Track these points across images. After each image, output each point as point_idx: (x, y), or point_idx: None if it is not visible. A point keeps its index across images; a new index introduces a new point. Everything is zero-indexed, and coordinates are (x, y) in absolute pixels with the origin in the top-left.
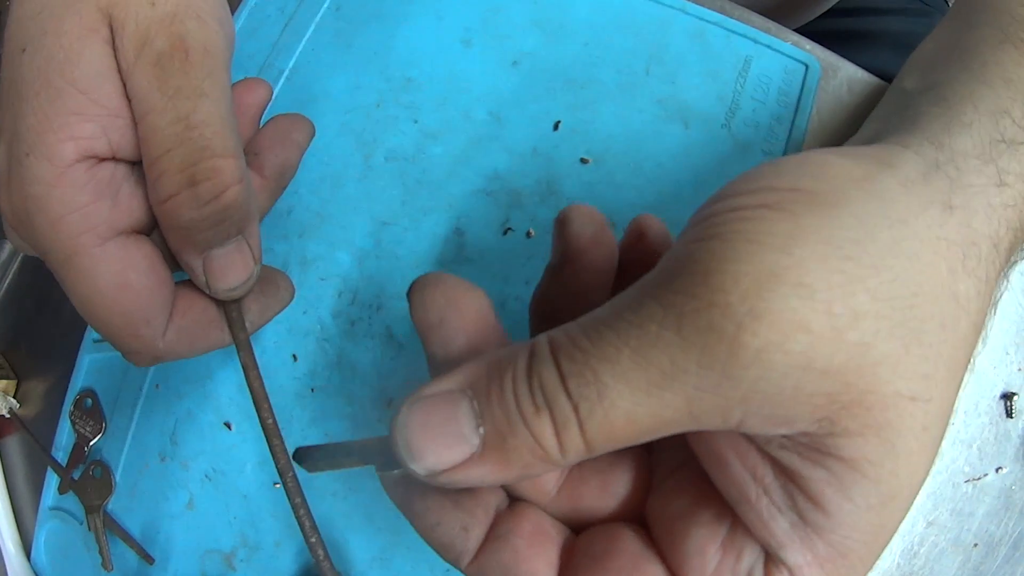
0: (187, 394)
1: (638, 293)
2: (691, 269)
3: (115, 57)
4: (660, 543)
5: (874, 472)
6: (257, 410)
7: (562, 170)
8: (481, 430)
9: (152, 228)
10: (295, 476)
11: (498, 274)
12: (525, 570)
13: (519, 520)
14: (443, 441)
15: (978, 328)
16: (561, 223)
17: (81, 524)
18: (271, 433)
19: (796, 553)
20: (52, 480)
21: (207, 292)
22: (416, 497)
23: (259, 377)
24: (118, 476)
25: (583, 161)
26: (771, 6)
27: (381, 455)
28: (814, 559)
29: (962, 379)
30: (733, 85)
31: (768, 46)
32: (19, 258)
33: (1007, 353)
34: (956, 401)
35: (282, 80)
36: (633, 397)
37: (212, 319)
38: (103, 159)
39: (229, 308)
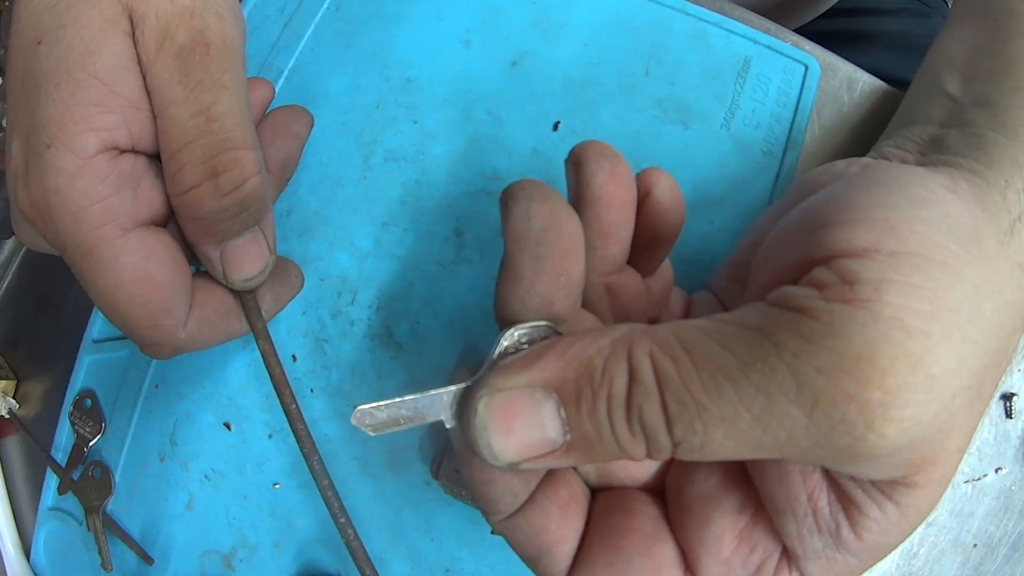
0: (186, 395)
1: (765, 345)
2: (837, 348)
3: (135, 49)
4: (676, 518)
5: (915, 515)
6: (280, 396)
7: (562, 170)
8: (568, 436)
9: (168, 220)
10: (320, 460)
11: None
12: (555, 536)
13: (558, 488)
14: (527, 441)
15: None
16: (575, 164)
17: (80, 524)
18: (295, 418)
19: (817, 568)
20: (51, 480)
21: (224, 283)
22: (471, 463)
23: (279, 364)
24: (117, 477)
25: None
26: (771, 6)
27: (443, 413)
28: (830, 574)
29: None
30: (733, 85)
31: (768, 46)
32: (19, 258)
33: None
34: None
35: (282, 80)
36: (736, 450)
37: (230, 309)
38: (124, 151)
39: (245, 298)
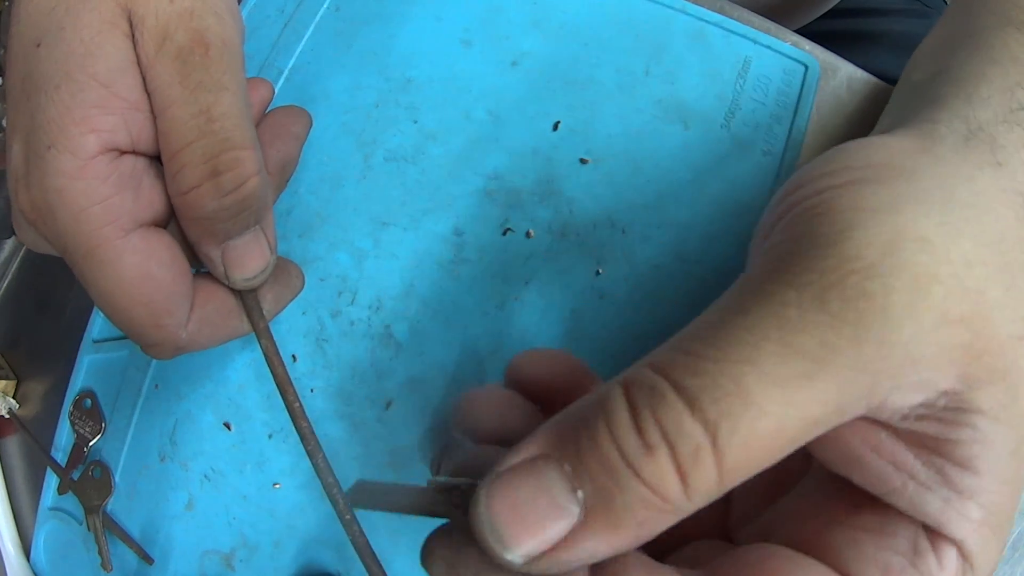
0: (186, 395)
1: (755, 287)
2: (814, 244)
3: (135, 51)
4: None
5: (1007, 417)
6: (283, 395)
7: (562, 170)
8: (580, 494)
9: (169, 221)
10: (325, 457)
11: (497, 274)
12: None
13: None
14: (537, 518)
15: None
16: (456, 422)
17: (80, 524)
18: (298, 416)
19: (956, 525)
20: (51, 480)
21: (226, 283)
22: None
23: (282, 363)
24: (117, 476)
25: (583, 161)
26: (771, 7)
27: (447, 509)
28: (972, 527)
29: None
30: (733, 85)
31: (768, 46)
32: (19, 258)
33: None
34: None
35: (281, 80)
36: (783, 396)
37: (231, 309)
38: (124, 152)
39: (247, 297)
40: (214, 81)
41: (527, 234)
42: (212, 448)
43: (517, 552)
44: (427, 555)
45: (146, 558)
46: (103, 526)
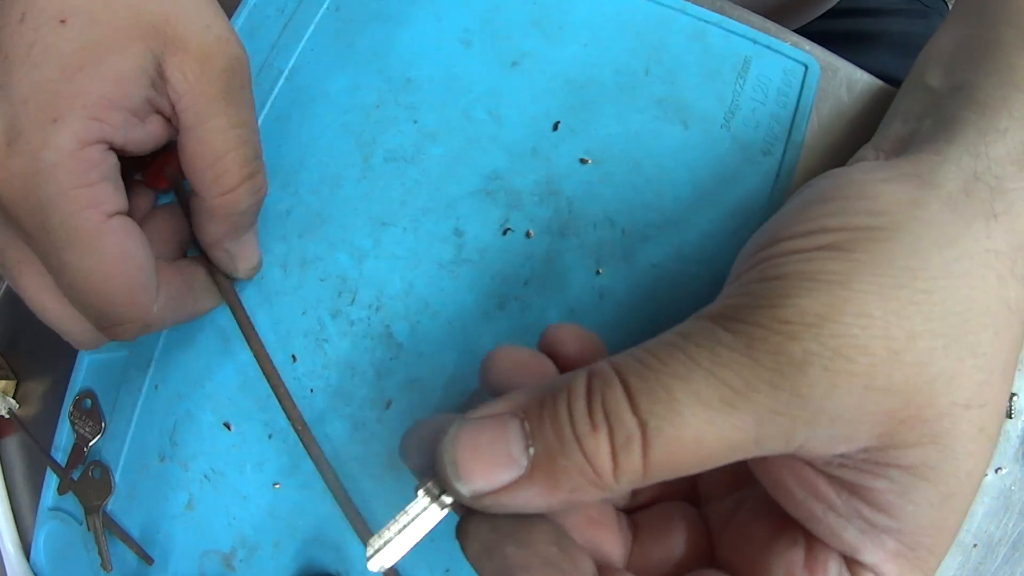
0: (186, 395)
1: (702, 323)
2: (757, 304)
3: (155, 67)
4: None
5: (933, 475)
6: (259, 361)
7: (562, 170)
8: (531, 451)
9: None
10: (287, 391)
11: (497, 274)
12: None
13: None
14: (491, 461)
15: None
16: (481, 374)
17: (80, 525)
18: (263, 359)
19: (870, 553)
20: (51, 481)
21: (234, 275)
22: (516, 568)
23: (257, 336)
24: (117, 477)
25: (582, 161)
26: (771, 7)
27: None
28: (887, 555)
29: (1014, 375)
30: (732, 85)
31: (768, 46)
32: None
33: None
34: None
35: (281, 80)
36: (705, 415)
37: (190, 288)
38: (112, 148)
39: (221, 276)
40: (247, 99)
41: (527, 234)
42: (212, 448)
43: (467, 486)
44: (463, 536)
45: (146, 558)
46: (103, 526)
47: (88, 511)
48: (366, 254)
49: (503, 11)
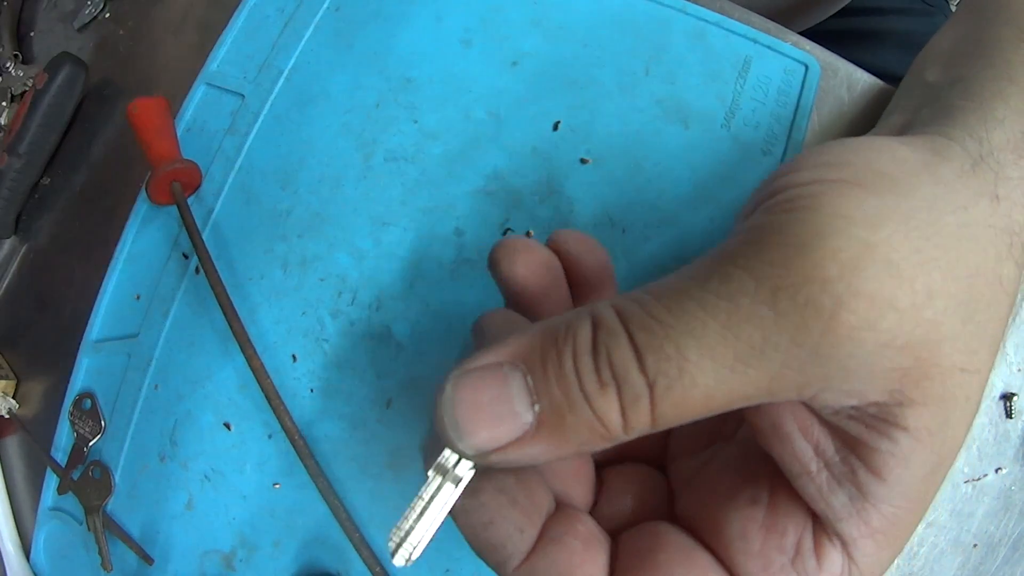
0: (186, 395)
1: (721, 263)
2: (784, 241)
3: None
4: (700, 533)
5: (930, 440)
6: (242, 348)
7: (562, 170)
8: (536, 407)
9: None
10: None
11: None
12: (581, 573)
13: (573, 523)
14: (495, 419)
15: (1011, 310)
16: (492, 267)
17: (80, 525)
18: (259, 373)
19: (852, 526)
20: (51, 481)
21: None
22: (467, 494)
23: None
24: (117, 477)
25: (583, 161)
26: (773, 11)
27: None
28: (868, 531)
29: (998, 352)
30: (733, 85)
31: (768, 46)
32: (19, 258)
33: (1007, 353)
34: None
35: (281, 80)
36: (716, 374)
37: None
38: None
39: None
40: None
41: (527, 234)
42: (212, 448)
43: (470, 444)
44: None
45: (146, 558)
46: (103, 526)
47: (88, 511)
48: (366, 254)
49: (503, 11)
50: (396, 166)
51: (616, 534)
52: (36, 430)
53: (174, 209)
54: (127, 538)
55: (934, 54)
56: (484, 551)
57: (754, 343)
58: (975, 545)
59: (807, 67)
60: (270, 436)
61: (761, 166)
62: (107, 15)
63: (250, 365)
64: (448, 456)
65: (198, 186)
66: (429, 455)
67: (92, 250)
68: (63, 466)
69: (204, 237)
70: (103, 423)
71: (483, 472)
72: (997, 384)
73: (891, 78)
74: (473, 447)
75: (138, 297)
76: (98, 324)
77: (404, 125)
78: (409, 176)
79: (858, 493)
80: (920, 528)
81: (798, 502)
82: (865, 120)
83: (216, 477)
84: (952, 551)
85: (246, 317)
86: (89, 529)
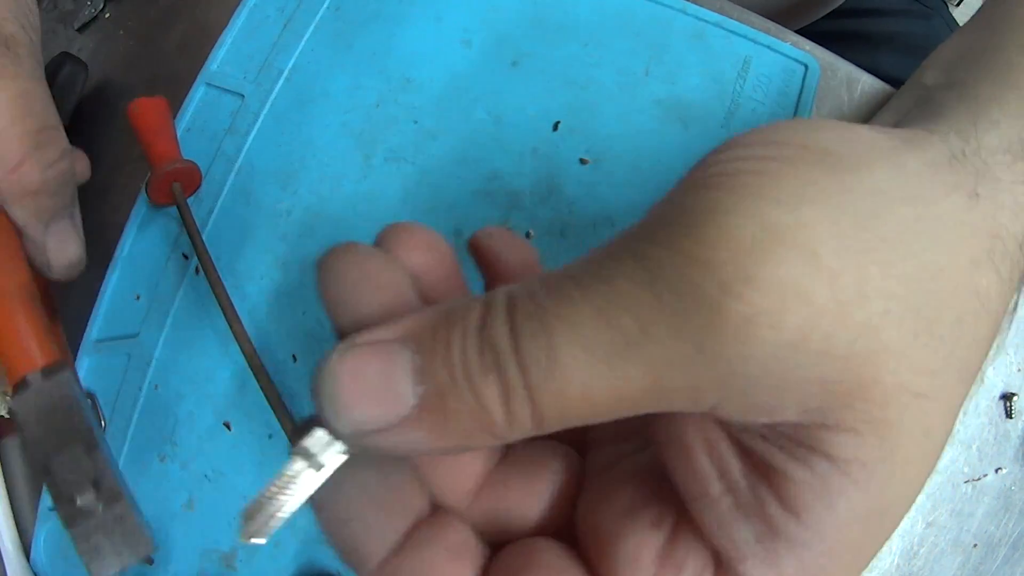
0: (186, 395)
1: (614, 243)
2: (677, 219)
3: None
4: (589, 555)
5: (866, 477)
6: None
7: (562, 170)
8: (420, 388)
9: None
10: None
11: None
12: None
13: (442, 529)
14: (375, 396)
15: (995, 330)
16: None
17: None
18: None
19: (758, 570)
20: None
21: (48, 273)
22: (328, 485)
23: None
24: None
25: (583, 161)
26: (772, 10)
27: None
28: None
29: (972, 382)
30: (732, 85)
31: (768, 46)
32: None
33: (1007, 353)
34: (962, 406)
35: (281, 80)
36: (591, 366)
37: None
38: None
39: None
40: (27, 72)
41: (527, 234)
42: (212, 448)
43: (347, 421)
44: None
45: (146, 558)
46: None
47: None
48: None
49: (503, 11)
50: (396, 166)
51: (502, 545)
52: None
53: (174, 209)
54: None
55: (936, 60)
56: (340, 550)
57: (629, 333)
58: (975, 545)
59: (807, 67)
60: (270, 436)
61: None
62: (107, 15)
63: (250, 365)
64: (316, 439)
65: (198, 186)
66: (297, 436)
67: (92, 250)
68: None
69: (204, 237)
70: (103, 423)
71: (348, 464)
72: (997, 384)
73: (890, 80)
74: (351, 424)
75: (138, 297)
76: (98, 324)
77: (404, 125)
78: (409, 176)
79: (767, 531)
80: (920, 528)
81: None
82: (865, 120)
83: (216, 477)
84: (952, 551)
85: (246, 317)
86: None
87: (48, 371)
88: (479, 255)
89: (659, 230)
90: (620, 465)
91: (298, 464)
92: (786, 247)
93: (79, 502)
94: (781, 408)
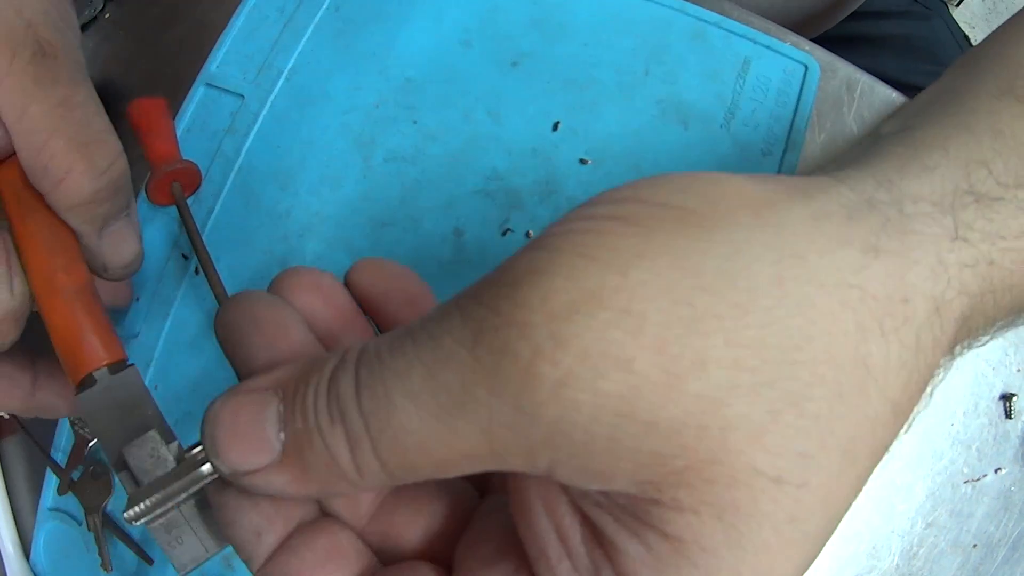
0: (186, 395)
1: (450, 302)
2: (502, 280)
3: None
4: None
5: (707, 562)
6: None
7: (561, 170)
8: (282, 436)
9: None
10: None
11: None
12: None
13: (316, 534)
14: (247, 442)
15: (900, 408)
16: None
17: (80, 525)
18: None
19: None
20: (51, 481)
21: (104, 275)
22: (214, 491)
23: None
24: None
25: (582, 161)
26: (775, 17)
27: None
28: None
29: (869, 468)
30: (732, 85)
31: (767, 47)
32: None
33: (1007, 354)
34: (856, 494)
35: (281, 80)
36: (423, 421)
37: None
38: None
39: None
40: (69, 77)
41: (527, 234)
42: None
43: (224, 464)
44: None
45: (146, 558)
46: (103, 526)
47: (88, 511)
48: (366, 254)
49: (503, 11)
50: (396, 166)
51: (390, 561)
52: (36, 431)
53: (174, 209)
54: (127, 538)
55: (903, 108)
56: (234, 549)
57: (453, 391)
58: (975, 545)
59: (807, 67)
60: None
61: (760, 166)
62: (107, 15)
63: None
64: (203, 454)
65: (198, 186)
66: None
67: None
68: (63, 466)
69: (204, 238)
70: None
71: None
72: (996, 384)
73: (890, 81)
74: (227, 465)
75: (138, 298)
76: None
77: (404, 125)
78: (409, 176)
79: None
80: (919, 528)
81: None
82: (864, 121)
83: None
84: (951, 551)
85: None
86: (89, 529)
87: (114, 367)
88: (351, 291)
89: (486, 290)
90: (503, 511)
91: (184, 467)
92: (606, 310)
93: None
94: (613, 476)
